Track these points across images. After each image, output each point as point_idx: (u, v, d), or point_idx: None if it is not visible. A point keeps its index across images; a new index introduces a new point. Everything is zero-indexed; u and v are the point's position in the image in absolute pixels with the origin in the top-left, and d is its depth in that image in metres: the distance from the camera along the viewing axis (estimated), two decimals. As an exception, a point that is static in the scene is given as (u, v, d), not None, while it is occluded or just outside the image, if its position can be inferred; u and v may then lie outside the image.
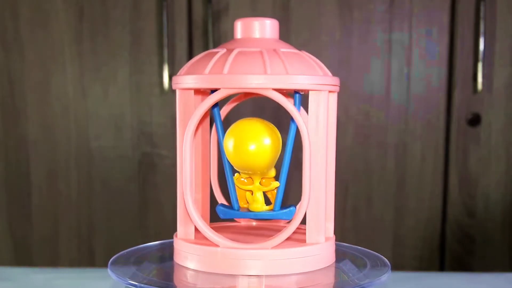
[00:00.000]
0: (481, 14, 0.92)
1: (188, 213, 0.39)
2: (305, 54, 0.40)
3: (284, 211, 0.41)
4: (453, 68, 0.95)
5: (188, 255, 0.39)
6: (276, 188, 0.41)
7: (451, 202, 0.97)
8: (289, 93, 0.42)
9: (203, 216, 0.42)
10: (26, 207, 0.99)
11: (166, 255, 0.42)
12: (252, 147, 0.40)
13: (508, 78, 0.94)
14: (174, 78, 0.40)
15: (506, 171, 0.96)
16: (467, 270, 0.97)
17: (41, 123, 0.97)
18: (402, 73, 0.95)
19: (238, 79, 0.36)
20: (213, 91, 0.41)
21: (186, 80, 0.38)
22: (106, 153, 0.97)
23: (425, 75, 0.95)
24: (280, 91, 0.37)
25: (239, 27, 0.41)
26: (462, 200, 0.97)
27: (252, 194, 0.42)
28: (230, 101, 0.45)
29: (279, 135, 0.41)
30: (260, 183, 0.41)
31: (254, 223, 0.46)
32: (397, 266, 0.93)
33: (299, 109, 0.41)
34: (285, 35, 0.94)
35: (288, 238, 0.38)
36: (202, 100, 0.41)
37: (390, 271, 0.40)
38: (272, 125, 0.42)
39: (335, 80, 0.40)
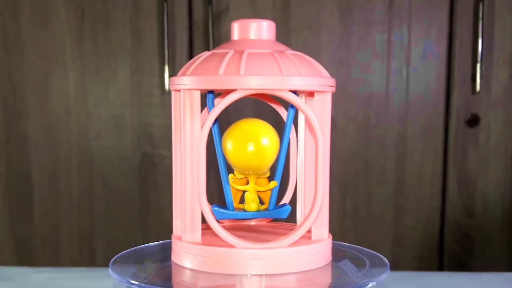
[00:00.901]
0: (480, 15, 0.92)
1: (194, 215, 0.39)
2: (305, 56, 0.40)
3: (280, 209, 0.41)
4: (452, 68, 0.95)
5: (187, 255, 0.39)
6: (273, 188, 0.42)
7: (450, 202, 0.97)
8: (272, 96, 0.42)
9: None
10: (27, 207, 0.99)
11: (167, 255, 0.42)
12: (253, 147, 0.40)
13: (506, 78, 0.95)
14: (179, 78, 0.39)
15: (504, 171, 0.96)
16: (466, 269, 0.98)
17: (42, 123, 0.97)
18: (401, 73, 0.95)
19: (255, 80, 0.36)
20: (209, 92, 0.41)
21: (195, 82, 0.38)
22: (106, 153, 0.98)
23: (424, 75, 0.95)
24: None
25: (236, 29, 0.41)
26: (461, 200, 0.97)
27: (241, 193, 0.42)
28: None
29: (277, 135, 0.42)
30: (255, 183, 0.42)
31: (252, 223, 0.46)
32: (396, 266, 0.94)
33: (294, 111, 0.41)
34: (285, 35, 0.94)
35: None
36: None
37: (389, 271, 0.40)
38: (270, 125, 0.42)
39: (334, 82, 0.41)
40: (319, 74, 0.39)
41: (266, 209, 0.42)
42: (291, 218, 0.43)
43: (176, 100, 0.41)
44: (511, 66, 0.94)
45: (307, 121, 0.39)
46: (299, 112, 0.43)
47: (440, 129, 0.96)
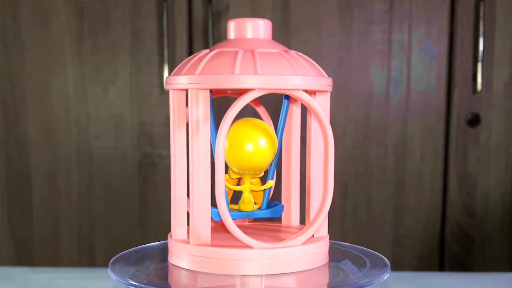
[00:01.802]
0: (481, 14, 0.92)
1: (199, 217, 0.39)
2: (304, 55, 0.40)
3: (274, 208, 0.42)
4: (452, 68, 0.95)
5: (186, 256, 0.39)
6: (269, 187, 0.42)
7: (450, 202, 0.97)
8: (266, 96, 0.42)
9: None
10: (27, 207, 0.99)
11: (166, 255, 0.42)
12: (252, 147, 0.40)
13: (507, 78, 0.94)
14: (188, 77, 0.38)
15: (505, 171, 0.96)
16: (467, 270, 0.98)
17: (42, 123, 0.97)
18: (402, 73, 0.95)
19: (273, 80, 0.36)
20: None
21: (207, 81, 0.37)
22: (106, 153, 0.97)
23: (425, 75, 0.95)
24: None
25: (233, 27, 0.41)
26: (461, 200, 0.97)
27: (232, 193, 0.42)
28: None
29: (275, 135, 0.42)
30: (250, 183, 0.42)
31: (247, 222, 0.46)
32: (396, 266, 0.94)
33: (287, 111, 0.43)
34: (285, 35, 0.94)
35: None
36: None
37: (389, 271, 0.40)
38: (268, 125, 0.42)
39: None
40: (321, 74, 0.40)
41: (260, 208, 0.42)
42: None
43: (174, 100, 0.40)
44: (512, 66, 0.94)
45: (318, 121, 0.38)
46: (296, 112, 0.43)
47: (441, 128, 0.96)
